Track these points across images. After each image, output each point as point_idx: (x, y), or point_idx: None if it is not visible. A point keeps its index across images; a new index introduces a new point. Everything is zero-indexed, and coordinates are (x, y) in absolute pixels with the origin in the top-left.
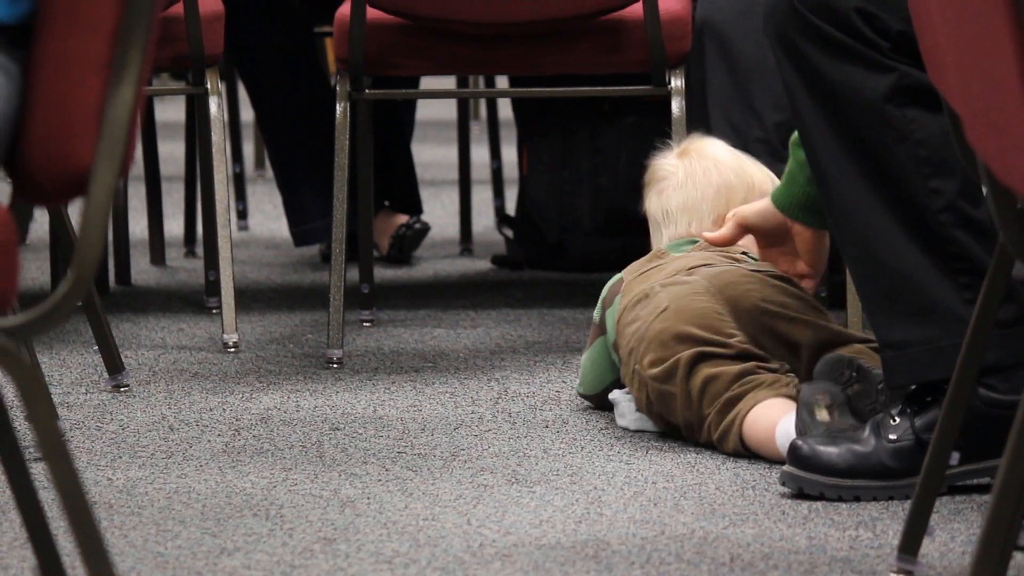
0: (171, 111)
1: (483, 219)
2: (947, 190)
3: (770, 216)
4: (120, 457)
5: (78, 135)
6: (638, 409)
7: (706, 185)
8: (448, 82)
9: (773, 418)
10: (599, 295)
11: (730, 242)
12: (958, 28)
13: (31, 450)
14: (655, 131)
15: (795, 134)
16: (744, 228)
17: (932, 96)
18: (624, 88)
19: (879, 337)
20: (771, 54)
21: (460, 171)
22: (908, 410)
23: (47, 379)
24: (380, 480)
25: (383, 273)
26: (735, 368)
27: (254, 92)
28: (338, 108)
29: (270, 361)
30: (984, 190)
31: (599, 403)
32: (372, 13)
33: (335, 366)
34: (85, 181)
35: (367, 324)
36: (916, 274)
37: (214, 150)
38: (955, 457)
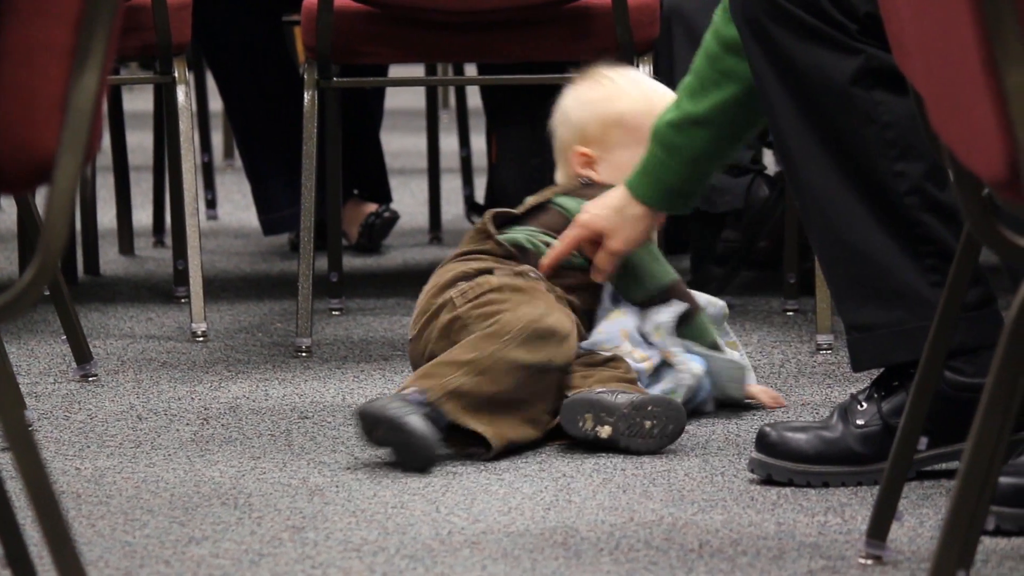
0: (139, 101)
1: (452, 208)
2: (913, 173)
3: (625, 214)
4: (88, 447)
5: (42, 123)
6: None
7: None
8: (416, 70)
9: None
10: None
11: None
12: (922, 12)
13: None
14: None
15: (659, 119)
16: (594, 235)
17: (899, 79)
18: None
19: (845, 320)
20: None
21: (429, 159)
22: (875, 395)
23: (15, 368)
24: (349, 468)
25: (352, 262)
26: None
27: (222, 81)
28: (306, 96)
29: (239, 350)
30: (949, 175)
31: None
32: (340, 1)
33: (304, 355)
34: (49, 168)
35: (336, 313)
36: (882, 257)
37: (182, 139)
38: (923, 442)
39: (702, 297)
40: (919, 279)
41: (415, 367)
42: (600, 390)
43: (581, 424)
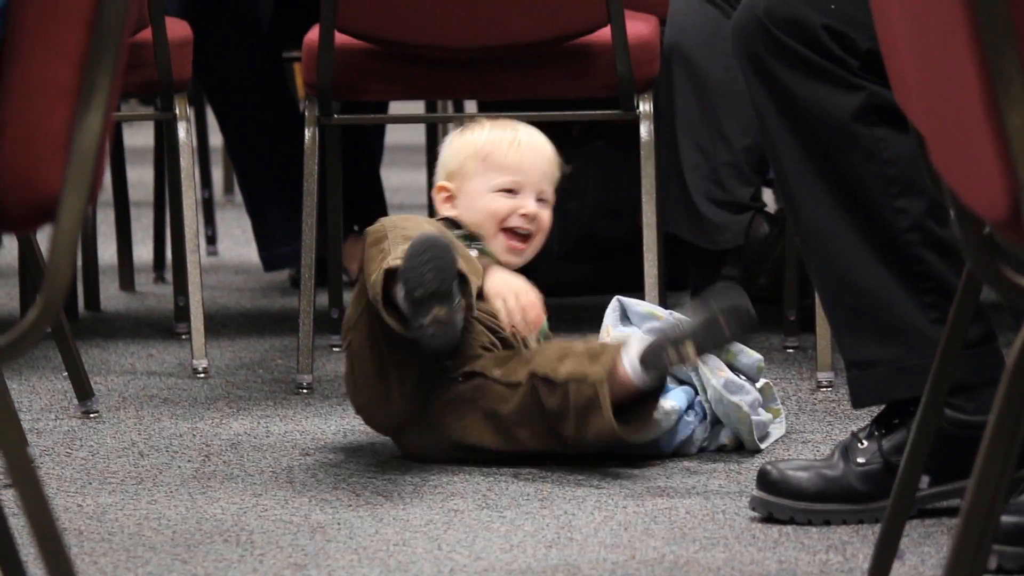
0: (140, 136)
1: None
2: (914, 209)
3: None
4: (90, 483)
5: (46, 162)
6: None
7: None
8: (417, 107)
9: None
10: (569, 320)
11: None
12: (922, 52)
13: (0, 477)
14: (624, 156)
15: None
16: None
17: (901, 116)
18: (592, 112)
19: (845, 356)
20: (739, 78)
21: (428, 196)
22: (876, 433)
23: (16, 405)
24: (351, 506)
25: None
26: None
27: (223, 117)
28: (307, 133)
29: (240, 387)
30: (950, 213)
31: None
32: (340, 38)
33: (305, 391)
34: (53, 208)
35: (337, 349)
36: (882, 293)
37: (183, 175)
38: (924, 480)
39: (736, 346)
40: (919, 316)
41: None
42: (656, 326)
43: (668, 362)
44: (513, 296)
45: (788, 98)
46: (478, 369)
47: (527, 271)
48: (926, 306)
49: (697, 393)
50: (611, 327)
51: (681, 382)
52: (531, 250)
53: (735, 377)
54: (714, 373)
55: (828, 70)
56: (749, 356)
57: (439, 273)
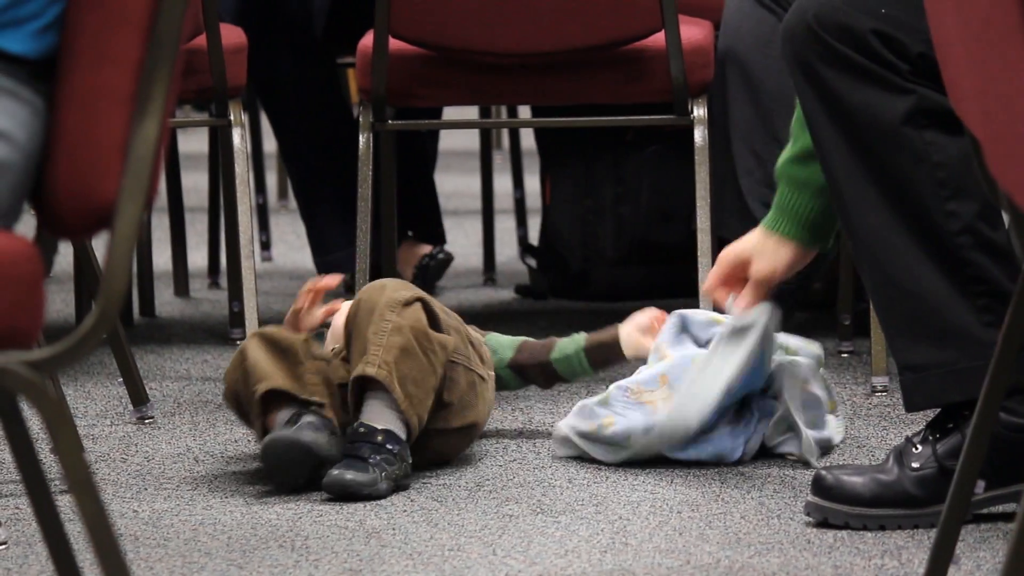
0: (194, 142)
1: (506, 249)
2: (965, 212)
3: (768, 242)
4: (145, 489)
5: (103, 169)
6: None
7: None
8: (471, 112)
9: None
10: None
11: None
12: (978, 57)
13: (57, 483)
14: (678, 160)
15: (781, 159)
16: (737, 261)
17: (951, 118)
18: (647, 117)
19: (898, 360)
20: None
21: (483, 201)
22: (930, 437)
23: (72, 411)
24: (405, 511)
25: None
26: None
27: (277, 123)
28: (361, 139)
29: None
30: (1005, 217)
31: None
32: (395, 44)
33: None
34: (110, 215)
35: None
36: (934, 297)
37: (237, 181)
38: (980, 485)
39: (793, 340)
40: (972, 319)
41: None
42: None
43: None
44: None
45: (838, 103)
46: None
47: (580, 276)
48: (979, 309)
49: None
50: (666, 345)
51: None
52: None
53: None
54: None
55: (878, 74)
56: (806, 350)
57: (289, 475)
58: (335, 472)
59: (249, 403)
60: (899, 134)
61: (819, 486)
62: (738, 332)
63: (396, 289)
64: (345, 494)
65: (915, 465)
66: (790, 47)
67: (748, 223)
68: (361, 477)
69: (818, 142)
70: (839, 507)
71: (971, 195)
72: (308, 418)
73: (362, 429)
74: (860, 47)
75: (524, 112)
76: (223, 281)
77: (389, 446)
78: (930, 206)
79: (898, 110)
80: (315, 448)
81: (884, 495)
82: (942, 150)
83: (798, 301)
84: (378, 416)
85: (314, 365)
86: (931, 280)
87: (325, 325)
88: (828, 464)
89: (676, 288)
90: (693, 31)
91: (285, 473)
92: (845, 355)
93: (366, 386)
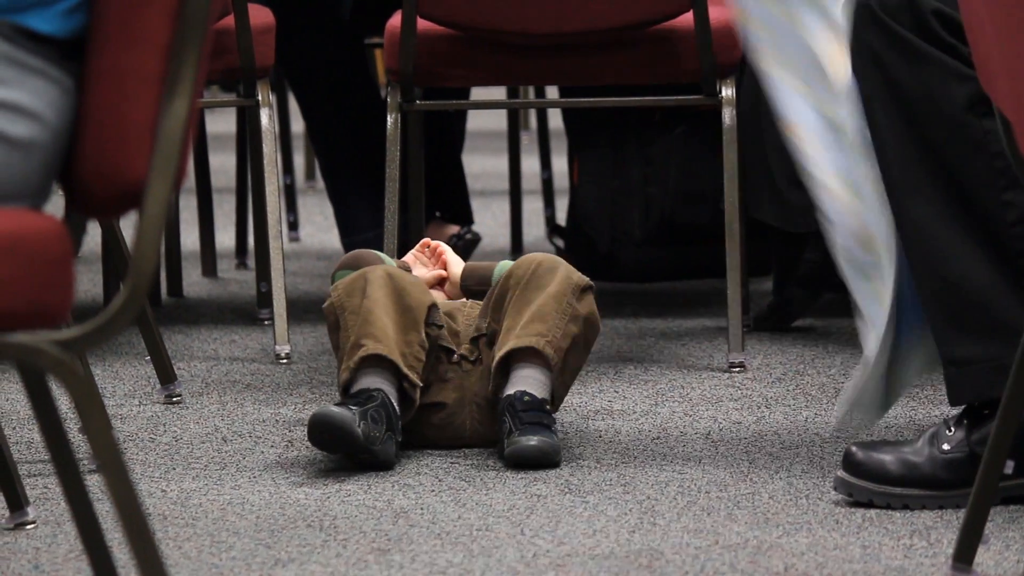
0: (222, 123)
1: (534, 229)
2: (1021, 203)
3: None
4: (174, 468)
5: (132, 149)
6: None
7: None
8: (498, 92)
9: None
10: (651, 305)
11: None
12: (1008, 34)
13: (86, 462)
14: (706, 141)
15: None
16: None
17: None
18: (675, 98)
19: (943, 353)
20: None
21: (511, 181)
22: (965, 422)
23: (100, 391)
24: (433, 491)
25: None
26: None
27: (305, 103)
28: (389, 119)
29: (322, 372)
30: None
31: None
32: (422, 24)
33: None
34: (139, 194)
35: None
36: (985, 290)
37: (265, 162)
38: (1010, 466)
39: None
40: (1021, 313)
41: None
42: None
43: None
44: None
45: (898, 88)
46: None
47: (608, 257)
48: None
49: None
50: None
51: None
52: None
53: None
54: None
55: (939, 59)
56: None
57: (340, 447)
58: (522, 439)
59: (345, 344)
60: (961, 122)
61: (848, 462)
62: None
63: (572, 269)
64: (534, 462)
65: (946, 447)
66: (851, 31)
67: (778, 202)
68: (549, 443)
69: (874, 127)
70: (866, 484)
71: None
72: (373, 407)
73: (527, 398)
74: (921, 29)
75: (552, 92)
76: (251, 261)
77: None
78: (986, 196)
79: (959, 97)
80: (363, 441)
81: (911, 475)
82: (1000, 139)
83: (826, 281)
84: (537, 391)
85: (427, 335)
86: (982, 272)
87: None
88: (863, 440)
89: (704, 269)
90: (722, 11)
91: (323, 444)
92: None
93: (525, 355)
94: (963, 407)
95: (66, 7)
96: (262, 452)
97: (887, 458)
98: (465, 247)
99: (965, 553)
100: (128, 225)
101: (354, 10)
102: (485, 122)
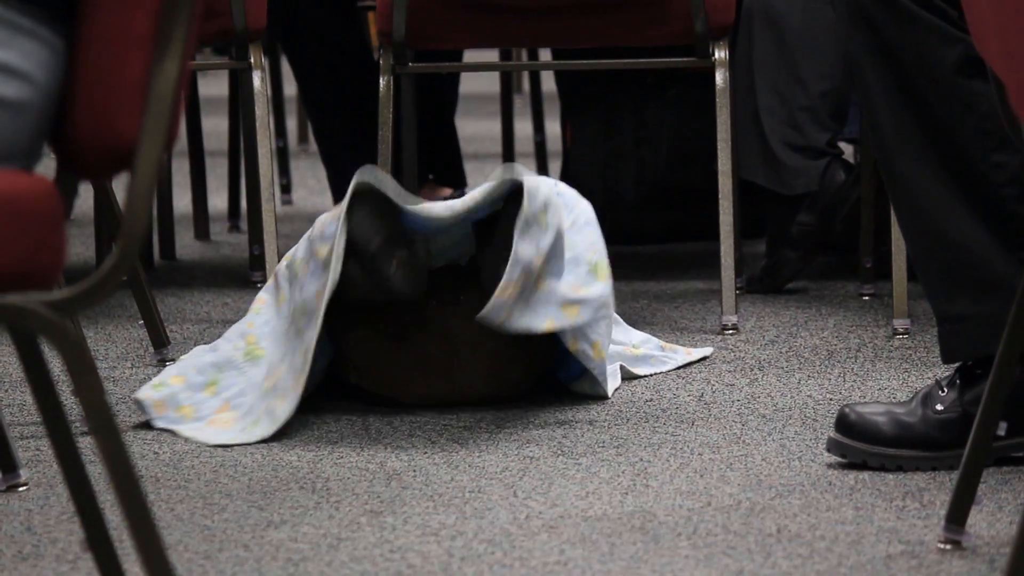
0: (214, 86)
1: None
2: (1012, 164)
3: None
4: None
5: (123, 110)
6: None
7: None
8: (491, 55)
9: None
10: (643, 268)
11: None
12: None
13: (78, 424)
14: (699, 103)
15: None
16: None
17: None
18: (668, 60)
19: (936, 311)
20: (818, 22)
21: (503, 144)
22: (958, 382)
23: (93, 354)
24: (426, 453)
25: None
26: None
27: (297, 66)
28: (381, 82)
29: None
30: None
31: None
32: None
33: None
34: (130, 156)
35: None
36: (977, 248)
37: (258, 125)
38: (1003, 427)
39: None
40: (1013, 271)
41: None
42: None
43: None
44: None
45: (888, 50)
46: None
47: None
48: (1022, 261)
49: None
50: None
51: None
52: None
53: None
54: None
55: (930, 22)
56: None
57: (383, 219)
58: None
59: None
60: (951, 83)
61: (842, 423)
62: None
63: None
64: None
65: (939, 408)
66: None
67: (770, 164)
68: None
69: (864, 88)
70: (859, 445)
71: (1018, 147)
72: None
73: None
74: None
75: (545, 55)
76: (243, 224)
77: None
78: (976, 157)
79: (950, 59)
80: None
81: (905, 436)
82: (990, 100)
83: (819, 244)
84: None
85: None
86: (974, 231)
87: None
88: (855, 401)
89: (697, 232)
90: None
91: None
92: (867, 298)
93: None
94: (956, 367)
95: None
96: None
97: (880, 419)
98: None
99: (958, 514)
100: (120, 187)
101: None
102: (478, 85)
